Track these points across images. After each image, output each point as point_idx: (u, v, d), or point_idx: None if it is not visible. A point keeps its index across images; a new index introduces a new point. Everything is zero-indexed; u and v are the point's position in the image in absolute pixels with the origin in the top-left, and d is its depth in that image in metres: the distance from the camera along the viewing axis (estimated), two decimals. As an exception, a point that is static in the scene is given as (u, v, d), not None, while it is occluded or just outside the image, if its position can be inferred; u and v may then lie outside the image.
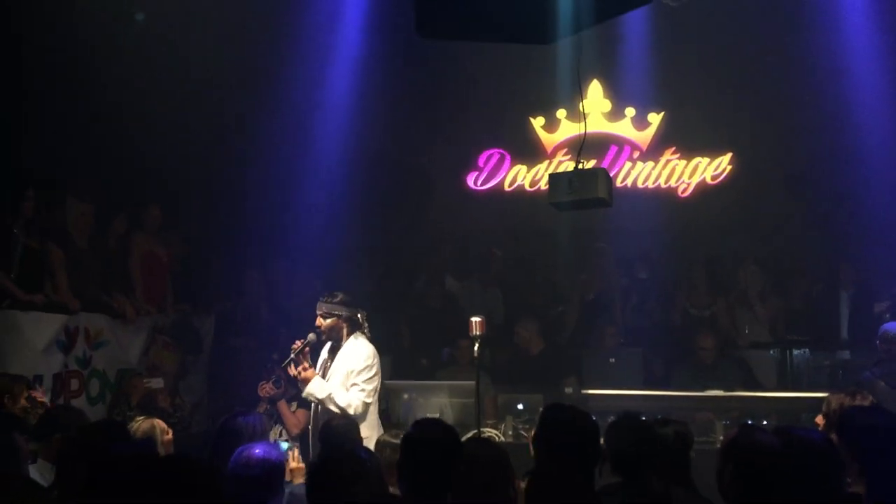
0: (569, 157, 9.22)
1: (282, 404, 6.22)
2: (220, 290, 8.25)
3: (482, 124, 9.60)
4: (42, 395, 5.40)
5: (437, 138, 9.66)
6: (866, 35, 8.07)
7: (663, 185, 9.33)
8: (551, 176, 5.71)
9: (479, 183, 9.71)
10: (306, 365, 5.60)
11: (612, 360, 7.32)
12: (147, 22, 7.48)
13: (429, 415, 6.34)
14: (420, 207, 9.75)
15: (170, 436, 4.50)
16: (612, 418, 3.95)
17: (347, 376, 5.61)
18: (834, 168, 8.52)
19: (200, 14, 7.37)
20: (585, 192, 5.39)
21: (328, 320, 5.67)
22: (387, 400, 6.56)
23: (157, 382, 6.69)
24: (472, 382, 5.79)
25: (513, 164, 9.65)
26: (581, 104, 7.83)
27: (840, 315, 7.91)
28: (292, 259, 8.40)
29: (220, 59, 7.78)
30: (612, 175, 8.90)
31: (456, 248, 9.14)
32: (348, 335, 5.71)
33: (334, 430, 4.68)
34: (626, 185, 9.28)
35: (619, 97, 9.29)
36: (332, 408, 5.49)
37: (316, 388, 5.55)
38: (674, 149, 9.33)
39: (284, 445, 5.32)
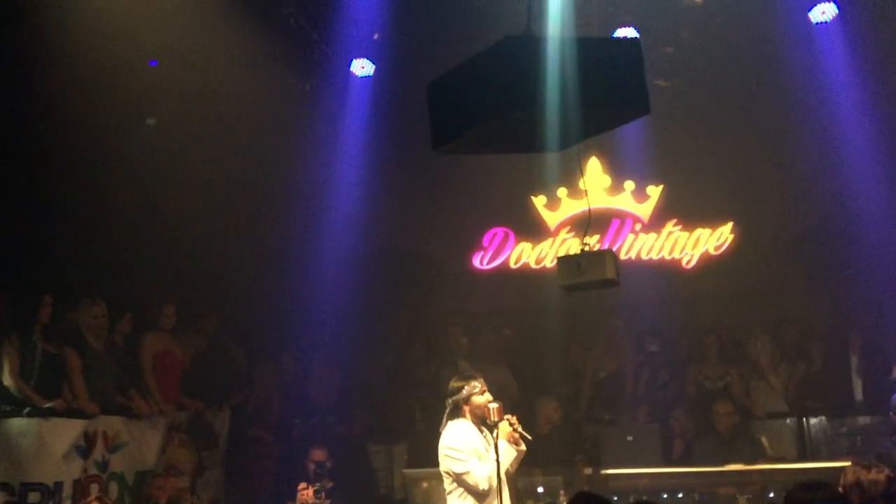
0: (572, 234, 9.30)
1: None
2: (234, 384, 8.27)
3: (485, 205, 9.72)
4: None
5: (442, 223, 9.79)
6: (857, 96, 8.19)
7: (667, 257, 9.38)
8: (560, 259, 5.82)
9: (484, 262, 9.75)
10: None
11: (629, 437, 7.27)
12: (157, 127, 7.70)
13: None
14: (429, 293, 9.83)
15: None
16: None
17: None
18: (836, 231, 8.60)
19: (208, 120, 7.61)
20: (594, 273, 5.50)
21: None
22: (405, 489, 6.55)
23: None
24: (492, 468, 5.75)
25: (517, 242, 9.72)
26: (581, 181, 8.09)
27: (852, 380, 7.87)
28: (304, 351, 8.47)
29: (230, 161, 8.01)
30: (616, 247, 9.10)
31: (467, 331, 9.17)
32: None
33: None
34: (630, 257, 9.32)
35: (618, 171, 9.40)
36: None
37: None
38: (675, 220, 9.40)
39: None
